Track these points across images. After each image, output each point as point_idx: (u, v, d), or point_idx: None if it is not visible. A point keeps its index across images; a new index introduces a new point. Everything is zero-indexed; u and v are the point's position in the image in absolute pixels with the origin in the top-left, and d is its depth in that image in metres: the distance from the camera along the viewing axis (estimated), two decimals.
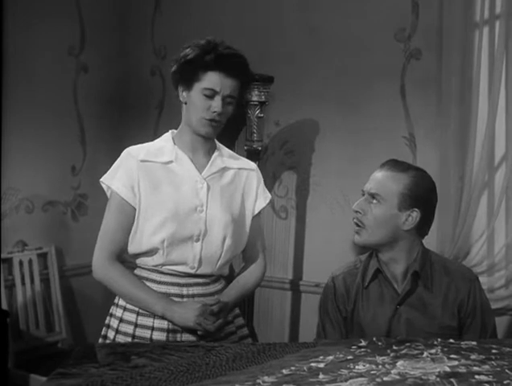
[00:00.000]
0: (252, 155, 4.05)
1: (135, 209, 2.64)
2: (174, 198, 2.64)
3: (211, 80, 2.60)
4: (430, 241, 2.98)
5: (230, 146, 3.89)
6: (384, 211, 2.70)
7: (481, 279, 3.76)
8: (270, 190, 4.43)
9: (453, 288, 2.73)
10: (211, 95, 2.60)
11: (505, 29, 3.74)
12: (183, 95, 2.66)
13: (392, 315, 2.73)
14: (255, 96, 4.00)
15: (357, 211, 2.74)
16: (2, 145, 4.31)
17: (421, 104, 4.07)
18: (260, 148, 4.12)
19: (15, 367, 4.28)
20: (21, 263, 4.48)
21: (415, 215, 2.71)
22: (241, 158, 2.89)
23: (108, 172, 2.70)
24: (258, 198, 2.81)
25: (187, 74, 2.62)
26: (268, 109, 4.18)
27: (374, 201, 2.71)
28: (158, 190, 2.65)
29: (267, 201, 2.84)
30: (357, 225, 2.75)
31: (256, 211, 2.80)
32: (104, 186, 2.71)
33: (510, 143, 3.80)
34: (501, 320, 3.87)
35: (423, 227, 2.77)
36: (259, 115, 4.05)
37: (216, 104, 2.60)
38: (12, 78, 4.37)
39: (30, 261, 4.52)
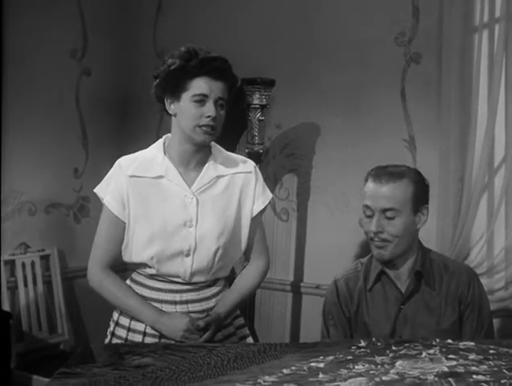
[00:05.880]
0: (253, 158, 4.03)
1: (125, 223, 2.66)
2: (162, 213, 2.62)
3: (199, 86, 2.57)
4: (429, 244, 3.01)
5: (231, 149, 3.90)
6: (404, 221, 2.75)
7: (481, 281, 3.81)
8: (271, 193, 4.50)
9: (454, 283, 2.80)
10: (202, 101, 2.56)
11: (504, 32, 3.77)
12: (171, 107, 2.63)
13: (396, 315, 2.79)
14: (256, 99, 4.04)
15: (377, 232, 2.75)
16: (5, 147, 4.34)
17: (421, 107, 4.10)
18: (261, 151, 4.15)
19: (18, 368, 4.29)
20: (23, 265, 4.49)
21: (426, 211, 2.80)
22: (239, 159, 2.83)
23: (101, 183, 2.71)
24: (256, 200, 2.75)
25: (173, 85, 2.59)
26: (269, 112, 4.22)
27: (389, 214, 2.74)
28: (146, 206, 2.64)
29: (266, 202, 2.78)
30: (380, 243, 2.76)
31: (254, 214, 2.75)
32: (98, 195, 2.73)
33: (510, 145, 3.82)
34: (501, 321, 3.91)
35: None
36: (260, 118, 4.08)
37: (209, 108, 2.57)
38: (15, 81, 4.40)
39: (32, 263, 4.54)
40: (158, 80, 2.63)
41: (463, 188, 3.89)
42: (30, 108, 4.52)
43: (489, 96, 3.84)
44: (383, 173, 2.77)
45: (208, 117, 2.56)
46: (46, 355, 4.50)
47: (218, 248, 2.66)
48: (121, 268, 2.87)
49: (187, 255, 2.64)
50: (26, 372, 4.26)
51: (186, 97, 2.58)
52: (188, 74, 2.56)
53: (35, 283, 4.54)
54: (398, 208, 2.73)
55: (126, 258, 2.70)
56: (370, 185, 2.77)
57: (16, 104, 4.41)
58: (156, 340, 2.64)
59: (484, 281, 3.82)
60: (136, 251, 2.65)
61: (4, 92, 4.32)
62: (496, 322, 3.83)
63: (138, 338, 2.67)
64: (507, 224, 3.90)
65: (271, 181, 4.54)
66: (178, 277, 2.66)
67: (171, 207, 2.63)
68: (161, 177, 2.65)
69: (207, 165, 2.70)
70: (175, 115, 2.64)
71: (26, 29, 4.44)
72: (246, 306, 4.08)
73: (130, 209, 2.64)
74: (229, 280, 2.85)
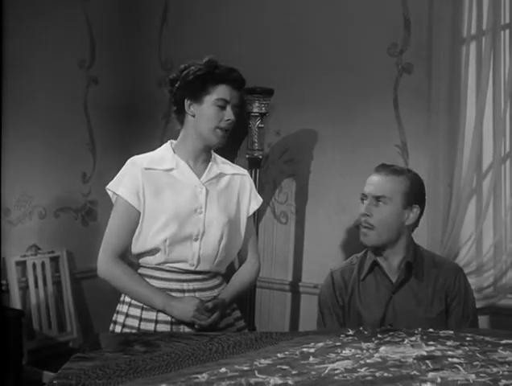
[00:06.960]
0: (253, 163, 4.21)
1: (140, 213, 2.83)
2: (175, 201, 2.83)
3: (222, 91, 2.84)
4: (420, 243, 3.16)
5: (233, 155, 4.07)
6: (391, 211, 2.95)
7: (470, 279, 3.90)
8: (270, 197, 4.65)
9: (441, 277, 2.99)
10: (223, 105, 2.83)
11: (490, 44, 3.90)
12: (190, 109, 2.87)
13: (387, 303, 2.98)
14: (256, 107, 4.17)
15: (365, 214, 2.96)
16: (17, 154, 4.47)
17: (412, 114, 4.22)
18: (261, 156, 4.27)
19: (29, 364, 4.43)
20: (34, 266, 4.61)
21: (416, 210, 3.00)
22: (233, 164, 3.09)
23: (113, 180, 2.89)
24: (252, 200, 3.01)
25: (198, 88, 2.83)
26: (268, 120, 4.34)
27: (380, 203, 2.95)
28: (161, 195, 2.84)
29: (259, 204, 3.04)
30: (366, 227, 2.97)
31: (250, 213, 3.01)
32: (109, 192, 2.89)
33: (497, 151, 3.94)
34: (489, 318, 4.04)
35: (418, 221, 3.06)
36: (260, 125, 4.20)
37: (229, 113, 2.84)
38: (26, 90, 4.54)
39: (42, 264, 4.65)
40: (179, 83, 2.88)
41: (452, 192, 4.00)
42: (39, 116, 4.65)
43: (477, 104, 3.96)
44: (385, 167, 3.02)
45: (228, 120, 2.84)
46: (56, 352, 4.59)
47: (222, 237, 2.88)
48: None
49: (196, 239, 2.84)
50: (37, 368, 4.39)
51: (209, 100, 2.84)
52: (214, 80, 2.83)
53: (45, 283, 4.66)
54: (388, 196, 2.94)
55: (137, 247, 2.85)
56: (371, 176, 3.01)
57: (26, 111, 4.54)
58: (168, 327, 2.80)
59: (473, 279, 3.95)
60: (151, 236, 2.81)
61: (13, 100, 4.44)
62: (485, 318, 3.99)
63: (150, 326, 2.82)
64: (495, 224, 4.02)
65: (271, 185, 4.68)
66: (186, 261, 2.85)
67: (183, 195, 2.85)
68: (172, 169, 2.88)
69: (211, 162, 2.95)
70: (193, 116, 2.87)
71: (37, 40, 4.60)
72: (247, 305, 4.19)
73: (146, 199, 2.83)
74: (227, 278, 3.04)
